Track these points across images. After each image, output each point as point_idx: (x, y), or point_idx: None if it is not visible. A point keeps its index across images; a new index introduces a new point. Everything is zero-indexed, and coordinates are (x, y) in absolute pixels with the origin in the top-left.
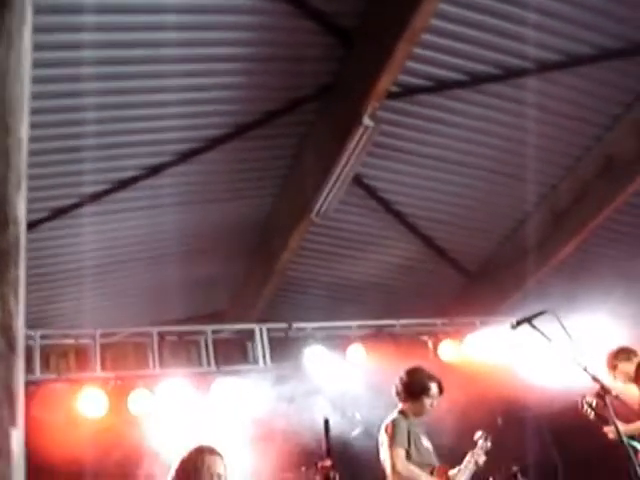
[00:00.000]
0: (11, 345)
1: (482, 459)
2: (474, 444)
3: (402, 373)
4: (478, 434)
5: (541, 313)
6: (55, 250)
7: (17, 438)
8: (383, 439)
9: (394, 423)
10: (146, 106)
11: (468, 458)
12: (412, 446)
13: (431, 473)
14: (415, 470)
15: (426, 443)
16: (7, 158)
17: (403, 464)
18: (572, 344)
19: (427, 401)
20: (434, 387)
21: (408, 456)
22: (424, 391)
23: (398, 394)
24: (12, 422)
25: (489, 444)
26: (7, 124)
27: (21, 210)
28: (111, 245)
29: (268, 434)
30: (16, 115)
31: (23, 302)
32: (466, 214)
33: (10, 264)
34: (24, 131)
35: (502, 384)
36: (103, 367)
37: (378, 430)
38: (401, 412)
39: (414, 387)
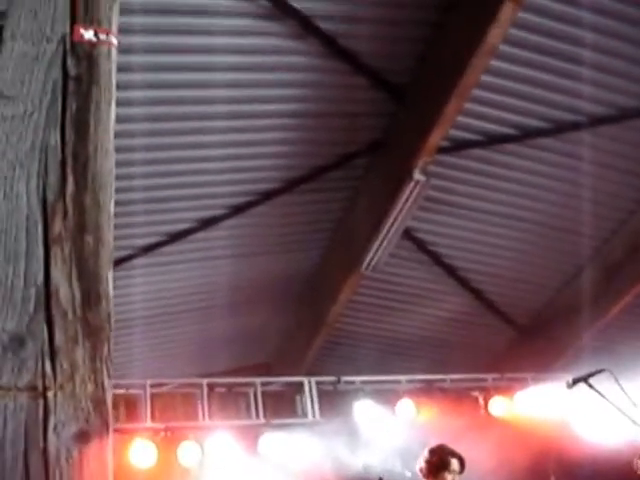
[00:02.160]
0: (106, 422)
1: None
2: None
3: (424, 451)
4: None
5: (598, 372)
6: None
7: None
8: None
9: None
10: (198, 161)
11: None
12: None
13: None
14: None
15: None
16: (100, 234)
17: None
18: (629, 404)
19: (448, 477)
20: (455, 463)
21: None
22: (445, 467)
23: (421, 471)
24: None
25: None
26: (99, 200)
27: (111, 286)
28: (161, 296)
29: None
30: (107, 190)
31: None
32: (517, 267)
33: (104, 340)
34: (112, 206)
35: (556, 443)
36: (152, 418)
37: None
38: None
39: (436, 464)
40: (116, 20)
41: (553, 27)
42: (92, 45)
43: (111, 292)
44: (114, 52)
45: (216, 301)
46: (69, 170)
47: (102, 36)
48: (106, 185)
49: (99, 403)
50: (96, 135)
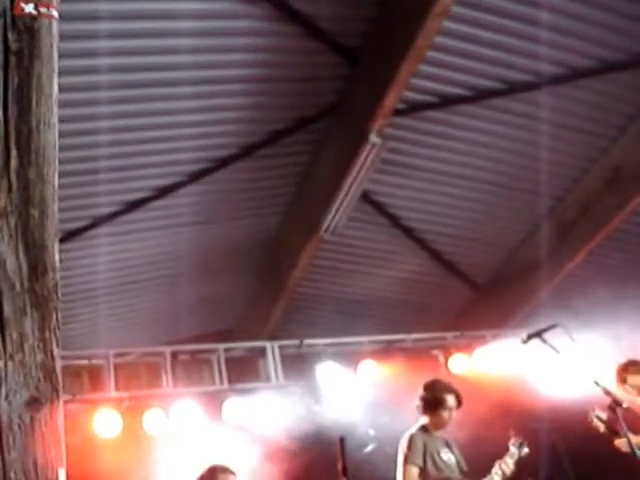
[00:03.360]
0: (56, 389)
1: (510, 469)
2: (505, 450)
3: (421, 387)
4: (512, 440)
5: (552, 327)
6: (69, 271)
7: (63, 477)
8: (399, 455)
9: (410, 439)
10: (157, 128)
11: (495, 469)
12: (428, 462)
13: None
14: None
15: (447, 456)
16: (44, 207)
17: None
18: (583, 357)
19: (445, 413)
20: (451, 399)
21: (423, 473)
22: (441, 403)
23: (418, 408)
24: (60, 463)
25: (524, 451)
26: (43, 174)
27: (57, 256)
28: (123, 266)
29: (282, 452)
30: (51, 164)
31: (60, 345)
32: (474, 228)
33: (51, 309)
34: (56, 179)
35: (514, 397)
36: (117, 387)
37: (391, 445)
38: (421, 426)
39: (431, 400)
40: None
41: None
42: (33, 18)
43: (57, 263)
44: (55, 25)
45: (178, 269)
46: (12, 145)
47: (43, 9)
48: (50, 159)
49: (49, 371)
50: (38, 109)
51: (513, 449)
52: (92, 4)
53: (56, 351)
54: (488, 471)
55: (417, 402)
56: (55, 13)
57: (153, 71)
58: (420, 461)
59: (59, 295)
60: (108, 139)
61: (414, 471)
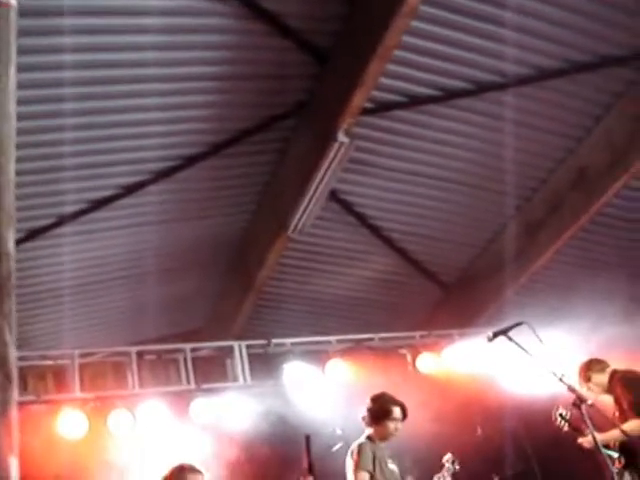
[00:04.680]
0: (8, 376)
1: None
2: (441, 467)
3: (367, 399)
4: (446, 457)
5: (517, 325)
6: (33, 270)
7: (15, 466)
8: (349, 463)
9: (359, 447)
10: (123, 125)
11: None
12: (377, 469)
13: None
14: None
15: (392, 466)
16: None
17: None
18: (548, 355)
19: (391, 425)
20: (397, 411)
21: (372, 479)
22: (387, 415)
23: (364, 419)
24: (11, 451)
25: (457, 467)
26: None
27: (11, 245)
28: (89, 265)
29: (249, 451)
30: (6, 154)
31: (15, 332)
32: (442, 227)
33: (4, 297)
34: (12, 170)
35: (481, 395)
36: (82, 388)
37: None
38: (368, 437)
39: (377, 412)
40: None
41: None
42: None
43: (11, 251)
44: (13, 14)
45: (144, 268)
46: None
47: None
48: (6, 148)
49: (2, 358)
50: None
51: (448, 465)
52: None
53: (9, 338)
54: None
55: (364, 413)
56: (13, 1)
57: (118, 68)
58: (371, 468)
59: (13, 282)
60: (73, 136)
61: (365, 476)
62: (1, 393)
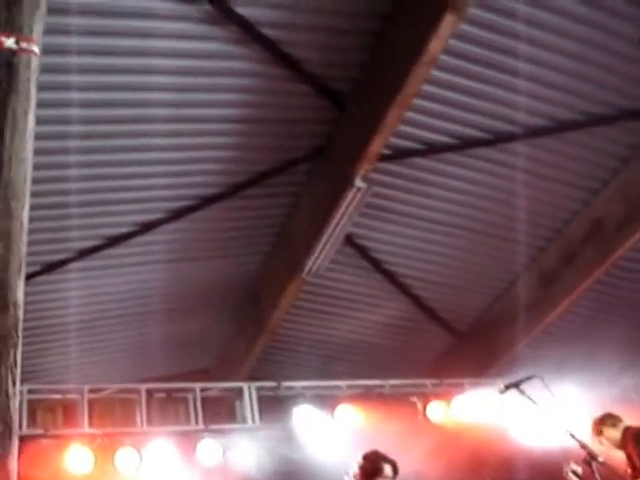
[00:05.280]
0: (9, 426)
1: None
2: None
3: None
4: None
5: (528, 378)
6: (43, 304)
7: None
8: None
9: None
10: (137, 164)
11: None
12: None
13: None
14: None
15: None
16: (9, 242)
17: None
18: (559, 409)
19: None
20: (387, 469)
21: None
22: (378, 473)
23: (355, 477)
24: None
25: None
26: (10, 208)
27: (21, 293)
28: (99, 300)
29: None
30: (19, 199)
31: (19, 384)
32: (456, 274)
33: (9, 347)
34: (26, 215)
35: (491, 446)
36: (90, 423)
37: None
38: None
39: (368, 469)
40: (39, 28)
41: (492, 39)
42: (13, 53)
43: (20, 300)
44: (35, 61)
45: (155, 306)
46: None
47: (23, 44)
48: (19, 194)
49: (3, 409)
50: (12, 144)
51: None
52: (65, 38)
53: (11, 389)
54: None
55: (354, 470)
56: (36, 49)
57: (131, 107)
58: None
59: (19, 333)
60: (85, 173)
61: None
62: (2, 443)
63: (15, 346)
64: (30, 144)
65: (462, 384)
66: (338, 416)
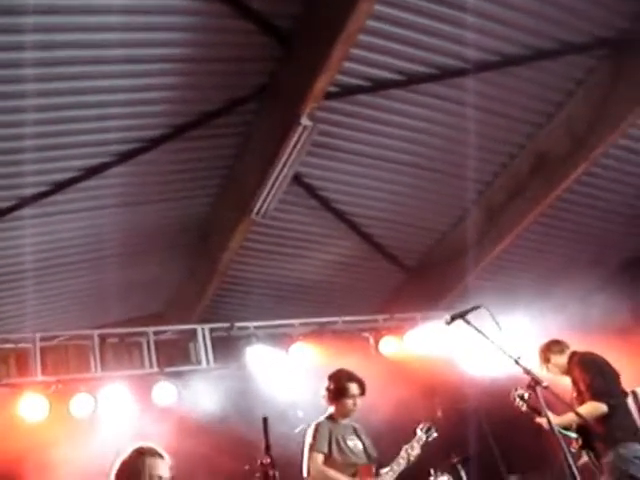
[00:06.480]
0: None
1: (415, 452)
2: (413, 436)
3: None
4: (420, 425)
5: (474, 308)
6: None
7: None
8: (306, 444)
9: (316, 427)
10: (84, 107)
11: (402, 453)
12: (334, 448)
13: (354, 474)
14: (330, 473)
15: (353, 442)
16: None
17: (317, 469)
18: (504, 338)
19: (349, 402)
20: (354, 387)
21: (328, 459)
22: (343, 392)
23: (323, 398)
24: None
25: (431, 436)
26: None
27: None
28: (50, 247)
29: (210, 434)
30: None
31: None
32: (404, 211)
33: None
34: None
35: (442, 378)
36: (44, 371)
37: None
38: (328, 415)
39: (334, 390)
40: None
41: None
42: None
43: None
44: None
45: (107, 251)
46: None
47: None
48: None
49: None
50: None
51: (420, 433)
52: None
53: None
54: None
55: (323, 392)
56: None
57: (79, 48)
58: (325, 449)
59: None
60: (33, 118)
61: (319, 458)
62: None
63: None
64: None
65: (414, 318)
66: (292, 354)
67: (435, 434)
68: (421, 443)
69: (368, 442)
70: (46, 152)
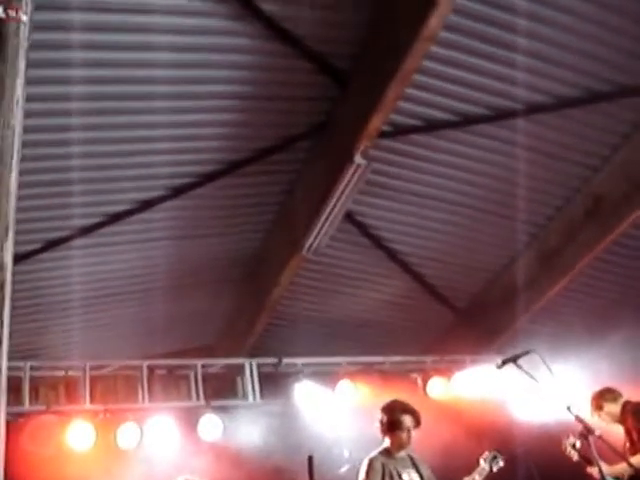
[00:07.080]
0: None
1: None
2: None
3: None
4: (484, 455)
5: (526, 353)
6: (46, 282)
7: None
8: (358, 479)
9: (369, 462)
10: (139, 141)
11: None
12: None
13: None
14: None
15: (409, 477)
16: None
17: None
18: (556, 384)
19: (403, 434)
20: (408, 419)
21: None
22: (397, 425)
23: (377, 430)
24: None
25: (497, 465)
26: None
27: (8, 256)
28: (101, 278)
29: (255, 470)
30: (7, 164)
31: (7, 344)
32: (456, 252)
33: None
34: (13, 180)
35: (490, 421)
36: (92, 400)
37: None
38: (383, 449)
39: (388, 422)
40: None
41: (492, 14)
42: (1, 21)
43: (8, 262)
44: (23, 29)
45: (157, 283)
46: None
47: (11, 13)
48: (7, 159)
49: None
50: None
51: (483, 464)
52: (67, 14)
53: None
54: None
55: (376, 425)
56: (24, 17)
57: (133, 84)
58: None
59: (6, 292)
60: (85, 150)
61: None
62: None
63: (1, 309)
64: (19, 111)
65: (462, 361)
66: (338, 392)
67: (502, 463)
68: (484, 475)
69: (428, 473)
70: (98, 184)
